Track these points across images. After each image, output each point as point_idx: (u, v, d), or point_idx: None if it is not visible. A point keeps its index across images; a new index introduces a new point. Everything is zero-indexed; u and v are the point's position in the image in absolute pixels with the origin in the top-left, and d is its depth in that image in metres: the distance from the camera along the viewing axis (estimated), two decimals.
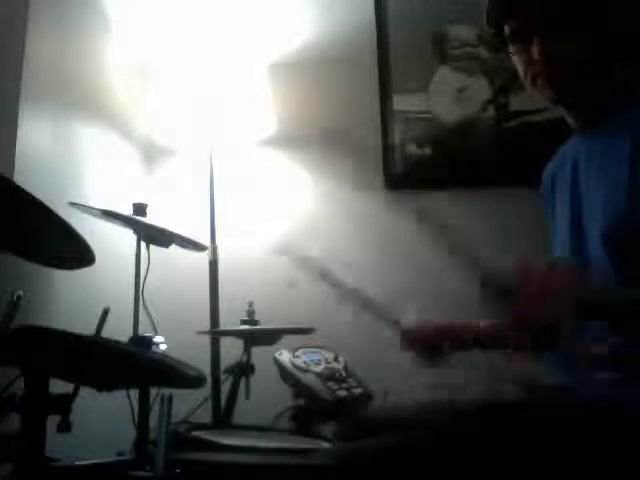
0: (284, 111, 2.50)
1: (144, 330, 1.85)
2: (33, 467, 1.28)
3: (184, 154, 2.55)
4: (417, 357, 1.42)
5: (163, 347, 1.61)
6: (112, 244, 2.06)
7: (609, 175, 1.12)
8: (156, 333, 1.79)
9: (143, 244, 1.95)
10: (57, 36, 2.07)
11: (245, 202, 2.52)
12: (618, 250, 1.07)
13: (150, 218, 1.93)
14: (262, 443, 1.48)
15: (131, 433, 1.61)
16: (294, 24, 2.60)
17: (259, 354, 1.93)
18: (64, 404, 1.32)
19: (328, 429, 1.60)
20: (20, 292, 1.35)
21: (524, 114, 2.42)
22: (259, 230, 2.51)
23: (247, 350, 1.93)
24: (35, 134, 1.92)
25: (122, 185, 2.39)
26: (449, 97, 2.51)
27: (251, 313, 1.97)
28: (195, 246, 2.01)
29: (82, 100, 2.19)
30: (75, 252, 1.37)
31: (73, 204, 1.73)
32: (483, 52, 2.49)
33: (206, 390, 1.91)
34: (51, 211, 1.23)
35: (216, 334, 2.22)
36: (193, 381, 1.48)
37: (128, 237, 1.95)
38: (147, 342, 1.60)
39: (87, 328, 1.40)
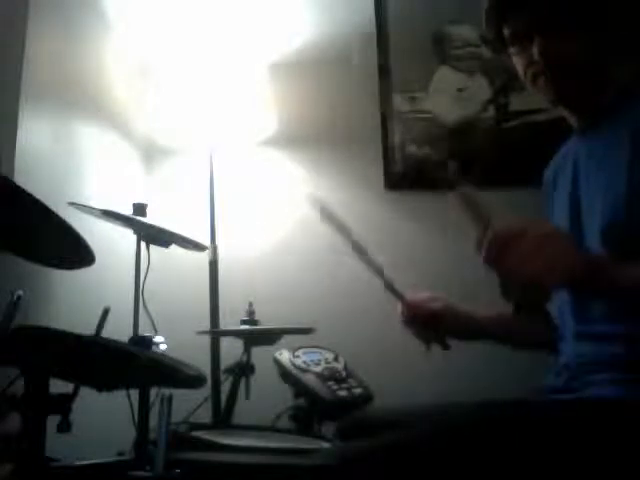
0: (284, 111, 2.50)
1: (144, 330, 1.85)
2: (33, 467, 1.28)
3: (184, 154, 2.56)
4: (415, 336, 1.44)
5: (163, 347, 1.61)
6: (112, 244, 2.07)
7: (609, 175, 1.12)
8: (156, 333, 1.79)
9: (143, 244, 1.95)
10: (57, 36, 2.07)
11: (245, 202, 2.52)
12: (617, 249, 1.07)
13: (150, 218, 1.93)
14: (262, 443, 1.48)
15: (131, 433, 1.61)
16: (294, 24, 2.60)
17: (259, 354, 1.93)
18: (64, 404, 1.32)
19: (328, 429, 1.60)
20: (20, 292, 1.35)
21: (524, 114, 2.42)
22: (259, 230, 2.51)
23: (247, 350, 1.93)
24: (35, 134, 1.92)
25: (122, 185, 2.39)
26: (449, 97, 2.51)
27: (251, 313, 1.97)
28: (195, 246, 2.01)
29: (82, 100, 2.19)
30: (75, 252, 1.37)
31: (73, 204, 1.73)
32: (484, 52, 2.49)
33: (206, 390, 1.91)
34: (51, 211, 1.23)
35: (216, 334, 2.22)
36: (193, 381, 1.48)
37: (128, 237, 1.95)
38: (147, 342, 1.60)
39: (87, 328, 1.39)
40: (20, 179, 1.50)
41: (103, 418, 1.86)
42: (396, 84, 2.53)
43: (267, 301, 2.05)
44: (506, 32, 1.23)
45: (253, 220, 2.52)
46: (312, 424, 1.69)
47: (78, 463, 1.42)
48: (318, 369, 1.71)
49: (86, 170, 2.20)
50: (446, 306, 1.45)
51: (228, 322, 2.18)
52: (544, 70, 1.17)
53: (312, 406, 1.68)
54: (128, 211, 1.90)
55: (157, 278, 2.04)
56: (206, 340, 2.20)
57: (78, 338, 1.29)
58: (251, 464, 1.32)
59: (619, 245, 1.07)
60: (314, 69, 2.56)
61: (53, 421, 1.32)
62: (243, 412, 1.95)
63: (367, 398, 1.70)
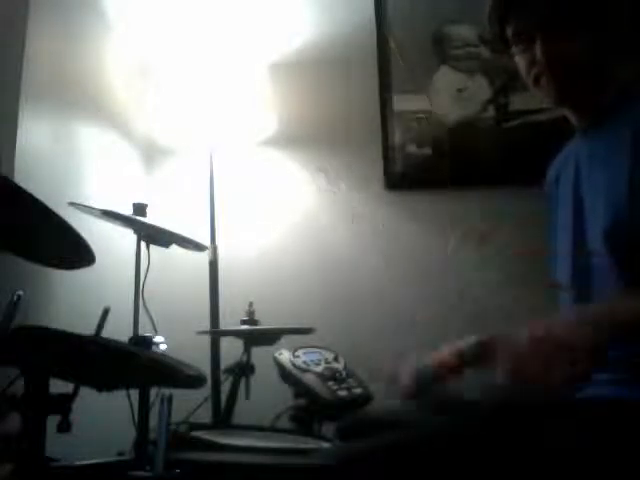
0: (284, 111, 2.50)
1: (144, 330, 1.85)
2: (33, 467, 1.27)
3: (184, 154, 2.56)
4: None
5: (163, 347, 1.61)
6: (112, 244, 2.07)
7: (611, 175, 1.12)
8: (156, 333, 1.79)
9: (143, 244, 1.95)
10: (57, 36, 2.07)
11: (245, 202, 2.52)
12: (619, 249, 1.08)
13: (150, 218, 1.93)
14: (262, 443, 1.48)
15: (131, 433, 1.61)
16: (294, 24, 2.60)
17: (259, 354, 1.93)
18: (64, 404, 1.32)
19: (328, 429, 1.60)
20: (20, 292, 1.35)
21: (524, 114, 2.42)
22: (259, 230, 2.51)
23: (247, 350, 1.93)
24: (35, 134, 1.92)
25: (122, 185, 2.39)
26: (449, 97, 2.51)
27: (251, 313, 1.97)
28: (195, 246, 2.01)
29: (82, 100, 2.19)
30: (75, 252, 1.37)
31: (73, 204, 1.73)
32: (484, 52, 2.49)
33: (206, 390, 1.91)
34: (51, 211, 1.23)
35: (216, 334, 2.22)
36: (193, 381, 1.48)
37: (128, 237, 1.95)
38: (147, 342, 1.60)
39: (87, 328, 1.40)
40: (20, 179, 1.51)
41: (103, 418, 1.86)
42: (396, 84, 2.53)
43: (267, 301, 2.05)
44: (508, 32, 1.23)
45: (253, 220, 2.52)
46: (312, 424, 1.69)
47: (78, 463, 1.42)
48: (318, 369, 1.71)
49: (86, 170, 2.20)
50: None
51: (228, 322, 2.18)
52: (546, 70, 1.17)
53: (312, 406, 1.68)
54: (128, 211, 1.90)
55: (157, 278, 2.04)
56: (206, 340, 2.20)
57: (78, 338, 1.29)
58: (251, 464, 1.32)
59: (622, 245, 1.07)
60: (314, 69, 2.56)
61: (53, 421, 1.32)
62: (243, 412, 1.95)
63: (367, 398, 1.70)
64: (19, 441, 1.28)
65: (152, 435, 1.42)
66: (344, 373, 1.72)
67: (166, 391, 1.32)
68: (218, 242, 2.33)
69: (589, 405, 1.02)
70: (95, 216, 1.83)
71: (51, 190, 1.60)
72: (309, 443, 1.51)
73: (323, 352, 1.79)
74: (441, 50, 2.54)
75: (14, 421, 1.29)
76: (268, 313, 2.02)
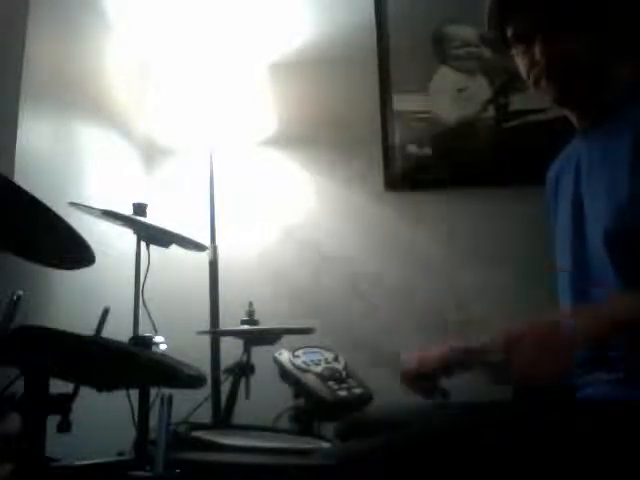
0: (284, 111, 2.50)
1: (144, 330, 1.86)
2: (33, 467, 1.27)
3: (184, 154, 2.55)
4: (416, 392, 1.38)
5: (163, 347, 1.61)
6: (112, 244, 2.07)
7: (611, 175, 1.12)
8: (156, 333, 1.79)
9: (143, 244, 1.95)
10: (57, 36, 2.07)
11: (245, 202, 2.52)
12: (619, 250, 1.08)
13: (150, 218, 1.93)
14: (262, 443, 1.48)
15: (131, 433, 1.61)
16: (294, 24, 2.60)
17: (259, 354, 1.93)
18: (64, 404, 1.32)
19: (328, 429, 1.60)
20: (20, 292, 1.35)
21: (524, 114, 2.42)
22: (259, 230, 2.51)
23: (247, 350, 1.93)
24: (35, 134, 1.92)
25: (122, 185, 2.39)
26: (449, 97, 2.51)
27: (251, 313, 1.97)
28: (195, 246, 2.01)
29: (82, 100, 2.19)
30: (75, 252, 1.37)
31: (73, 204, 1.73)
32: (484, 52, 2.49)
33: (206, 390, 1.91)
34: (51, 211, 1.23)
35: (216, 334, 2.22)
36: (193, 381, 1.48)
37: (128, 237, 1.95)
38: (147, 342, 1.60)
39: (87, 328, 1.40)
40: (20, 179, 1.50)
41: (103, 418, 1.86)
42: (396, 84, 2.53)
43: (267, 301, 2.06)
44: (508, 33, 1.23)
45: (253, 220, 2.52)
46: (312, 424, 1.69)
47: (78, 463, 1.42)
48: (318, 369, 1.71)
49: (86, 170, 2.20)
50: (442, 359, 1.40)
51: (228, 322, 2.18)
52: (546, 71, 1.17)
53: (312, 406, 1.68)
54: (128, 211, 1.90)
55: (157, 278, 2.04)
56: (206, 340, 2.20)
57: (78, 338, 1.29)
58: (251, 464, 1.32)
59: (622, 246, 1.07)
60: (314, 69, 2.56)
61: (53, 421, 1.32)
62: (243, 412, 1.95)
63: (367, 398, 1.70)
64: (19, 441, 1.28)
65: (152, 435, 1.42)
66: (344, 373, 1.72)
67: (166, 391, 1.31)
68: (218, 242, 2.33)
69: (589, 405, 1.02)
70: (95, 216, 1.83)
71: (51, 190, 1.60)
72: (309, 443, 1.51)
73: (323, 352, 1.79)
74: (441, 50, 2.54)
75: (14, 421, 1.29)
76: (268, 313, 2.02)
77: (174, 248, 1.97)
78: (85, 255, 1.36)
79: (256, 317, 1.98)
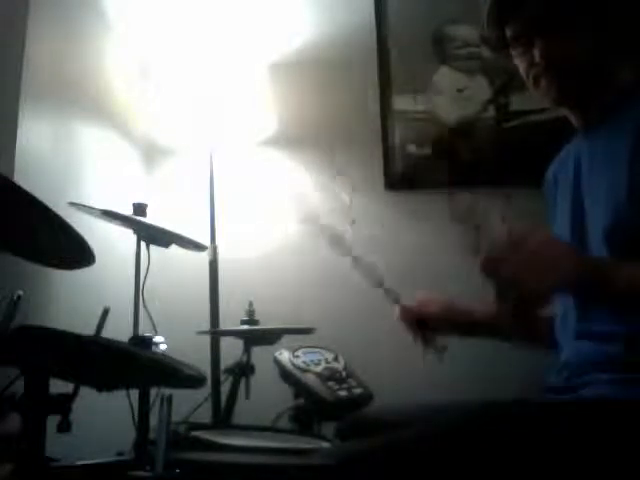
0: (284, 111, 2.50)
1: (144, 330, 1.86)
2: (33, 467, 1.27)
3: (184, 154, 2.56)
4: (413, 335, 1.43)
5: (163, 347, 1.61)
6: (112, 244, 2.07)
7: (611, 175, 1.12)
8: (156, 333, 1.79)
9: (143, 244, 1.95)
10: (57, 36, 2.07)
11: (245, 202, 2.52)
12: (619, 249, 1.08)
13: (150, 218, 1.93)
14: (262, 443, 1.48)
15: (131, 433, 1.61)
16: (294, 24, 2.60)
17: (259, 354, 1.93)
18: (64, 404, 1.32)
19: (328, 429, 1.60)
20: (20, 292, 1.35)
21: (524, 114, 2.42)
22: (259, 230, 2.51)
23: (247, 350, 1.93)
24: (35, 134, 1.92)
25: (122, 185, 2.39)
26: (449, 97, 2.51)
27: (251, 313, 1.97)
28: (195, 246, 2.01)
29: (82, 100, 2.19)
30: (75, 252, 1.37)
31: (73, 204, 1.73)
32: (484, 52, 2.49)
33: (206, 390, 1.91)
34: (51, 211, 1.23)
35: (216, 334, 2.22)
36: (193, 381, 1.48)
37: (128, 237, 1.95)
38: (147, 342, 1.60)
39: (87, 328, 1.39)
40: (20, 179, 1.50)
41: (103, 418, 1.86)
42: (396, 84, 2.53)
43: (267, 301, 2.05)
44: (507, 34, 1.23)
45: (253, 220, 2.52)
46: (312, 424, 1.69)
47: (78, 463, 1.42)
48: (318, 369, 1.71)
49: (86, 170, 2.20)
50: (442, 308, 1.45)
51: (228, 322, 2.18)
52: (545, 71, 1.17)
53: (312, 406, 1.68)
54: (128, 211, 1.90)
55: (157, 278, 2.04)
56: (206, 340, 2.20)
57: (78, 338, 1.28)
58: (251, 464, 1.32)
59: (622, 245, 1.08)
60: (314, 69, 2.56)
61: (53, 421, 1.32)
62: (243, 412, 1.95)
63: (367, 398, 1.70)
64: (19, 441, 1.28)
65: (152, 435, 1.42)
66: (344, 373, 1.72)
67: (166, 391, 1.31)
68: (218, 242, 2.33)
69: (589, 405, 1.02)
70: (95, 216, 1.83)
71: (51, 190, 1.60)
72: (309, 443, 1.51)
73: (323, 352, 1.79)
74: (441, 50, 2.54)
75: (14, 421, 1.29)
76: (268, 313, 2.02)
77: (174, 248, 1.97)
78: (85, 255, 1.36)
79: (256, 317, 1.98)
